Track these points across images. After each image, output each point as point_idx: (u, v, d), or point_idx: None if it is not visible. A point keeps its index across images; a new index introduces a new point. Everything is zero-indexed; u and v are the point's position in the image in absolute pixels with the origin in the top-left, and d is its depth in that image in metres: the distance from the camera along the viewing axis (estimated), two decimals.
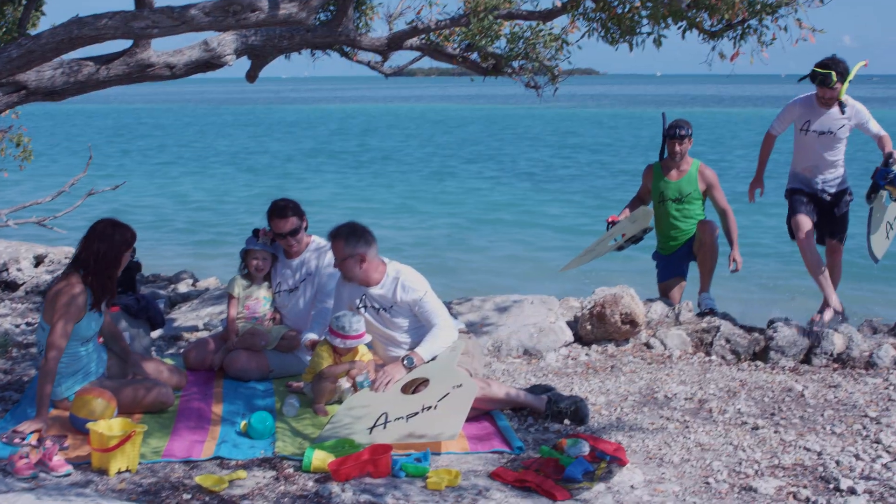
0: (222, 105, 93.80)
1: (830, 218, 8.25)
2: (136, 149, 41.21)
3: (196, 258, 15.86)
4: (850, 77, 7.75)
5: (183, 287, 10.43)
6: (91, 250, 5.79)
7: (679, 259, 8.94)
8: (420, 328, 6.17)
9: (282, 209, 6.93)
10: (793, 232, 8.19)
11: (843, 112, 7.86)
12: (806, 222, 8.07)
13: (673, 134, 8.69)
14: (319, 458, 5.04)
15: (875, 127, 7.89)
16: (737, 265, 8.61)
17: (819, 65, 7.77)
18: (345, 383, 6.11)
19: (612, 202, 21.65)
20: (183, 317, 8.69)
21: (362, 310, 6.19)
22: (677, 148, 8.68)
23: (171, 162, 35.13)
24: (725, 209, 8.78)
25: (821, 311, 8.08)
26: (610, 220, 8.81)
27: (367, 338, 6.08)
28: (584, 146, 41.47)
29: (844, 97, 7.82)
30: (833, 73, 7.68)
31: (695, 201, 8.78)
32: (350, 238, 6.04)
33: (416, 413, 5.48)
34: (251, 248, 6.97)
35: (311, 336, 6.51)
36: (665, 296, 8.90)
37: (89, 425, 5.11)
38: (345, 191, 25.85)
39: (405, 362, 5.86)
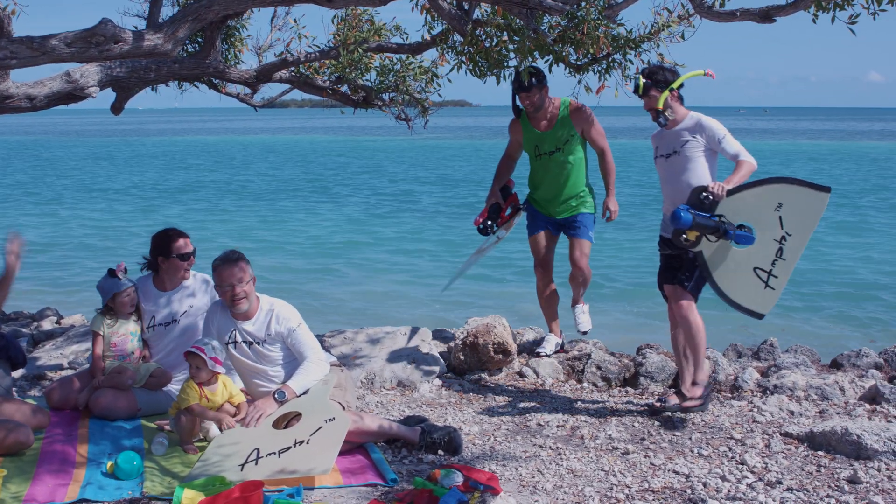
0: (81, 137, 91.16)
1: (682, 260, 6.81)
2: None
3: (60, 294, 15.38)
4: (676, 85, 6.67)
5: (47, 324, 10.11)
6: None
7: (564, 222, 8.10)
8: (293, 362, 6.12)
9: (180, 231, 6.95)
10: None
11: (664, 122, 6.70)
12: (668, 297, 6.97)
13: (518, 87, 7.72)
14: (189, 498, 4.92)
15: (732, 147, 6.59)
16: (611, 214, 7.98)
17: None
18: (214, 428, 5.98)
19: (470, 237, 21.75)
20: (46, 355, 8.41)
21: (231, 347, 6.11)
22: (527, 102, 7.80)
23: (22, 196, 33.93)
24: (603, 148, 7.94)
25: (676, 390, 6.99)
26: (477, 222, 8.09)
27: (222, 368, 5.99)
28: (448, 178, 41.63)
29: (674, 109, 6.71)
30: (640, 79, 6.75)
31: (575, 148, 7.92)
32: (245, 261, 6.12)
33: (289, 448, 5.41)
34: (120, 289, 6.73)
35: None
36: (536, 249, 8.16)
37: None
38: (200, 224, 25.33)
39: (276, 396, 5.80)
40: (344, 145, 74.10)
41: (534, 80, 7.61)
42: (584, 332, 8.35)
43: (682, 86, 6.78)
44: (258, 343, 6.11)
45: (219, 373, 5.97)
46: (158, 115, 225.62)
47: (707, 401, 6.79)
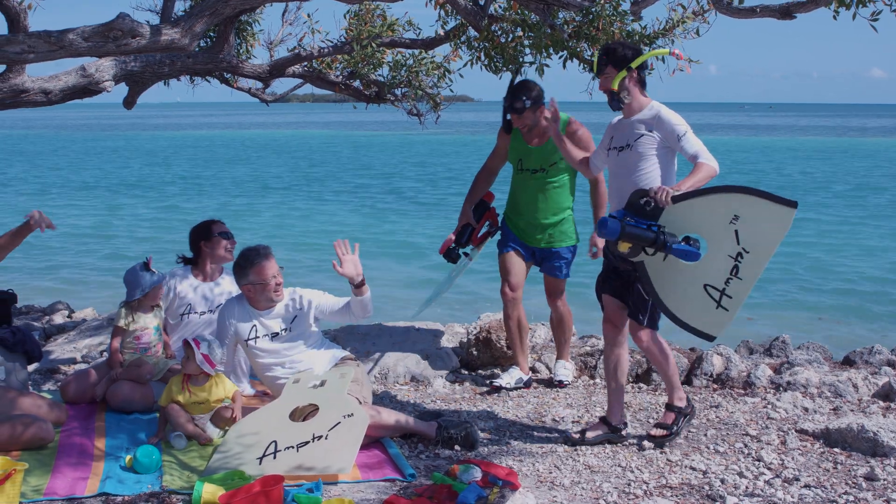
0: (78, 131, 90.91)
1: (629, 282, 6.00)
2: None
3: (69, 288, 15.42)
4: (635, 64, 5.79)
5: (58, 318, 10.14)
6: None
7: (539, 254, 7.43)
8: (314, 348, 6.31)
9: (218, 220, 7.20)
10: None
11: (617, 105, 5.91)
12: (606, 308, 6.19)
13: (509, 106, 7.02)
14: (209, 492, 4.92)
15: (692, 147, 5.72)
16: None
17: None
18: (210, 426, 5.97)
19: None
20: (60, 349, 8.42)
21: (252, 342, 6.15)
22: (519, 123, 7.10)
23: (29, 190, 33.90)
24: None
25: (604, 419, 6.25)
26: (442, 249, 7.59)
27: (211, 370, 6.00)
28: (449, 174, 41.61)
29: (631, 93, 5.88)
30: (601, 56, 5.92)
31: (561, 172, 7.20)
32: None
33: (307, 442, 5.41)
34: (159, 282, 6.74)
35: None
36: (504, 269, 7.40)
37: None
38: (196, 219, 25.30)
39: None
40: (346, 140, 74.08)
41: (527, 102, 6.95)
42: (561, 382, 7.56)
43: (645, 68, 5.95)
44: (285, 330, 6.22)
45: (208, 373, 5.98)
46: (156, 110, 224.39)
47: (679, 430, 6.08)
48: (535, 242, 7.35)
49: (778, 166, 45.40)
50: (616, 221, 5.52)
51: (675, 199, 5.54)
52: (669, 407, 6.18)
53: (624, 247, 5.61)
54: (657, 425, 6.13)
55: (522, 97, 6.93)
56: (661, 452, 5.90)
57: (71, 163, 48.67)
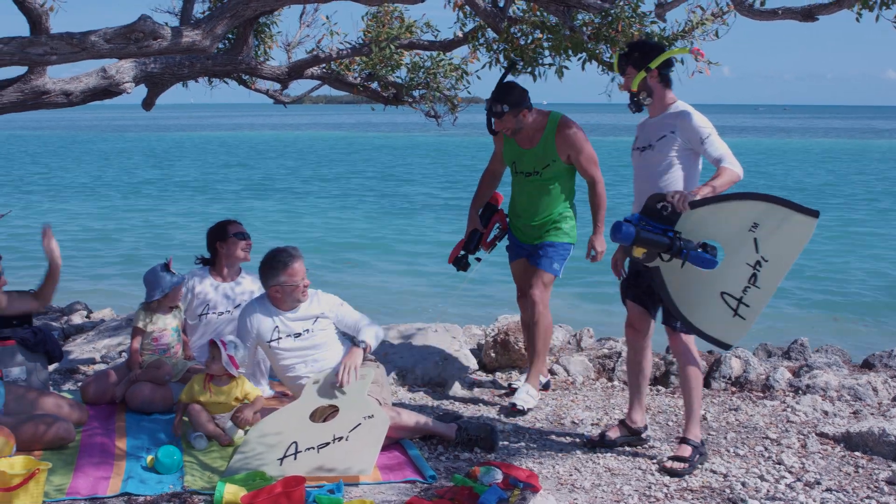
0: (91, 132, 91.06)
1: (653, 288, 5.79)
2: None
3: (87, 289, 15.45)
4: (654, 64, 5.68)
5: (77, 318, 10.18)
6: None
7: (533, 249, 7.10)
8: (334, 348, 6.32)
9: (233, 219, 7.26)
10: None
11: (636, 107, 5.82)
12: (630, 313, 6.04)
13: (489, 109, 6.89)
14: (231, 492, 4.93)
15: (716, 150, 5.52)
16: (597, 255, 6.86)
17: None
18: (230, 423, 5.98)
19: None
20: (78, 349, 8.45)
21: (275, 343, 6.16)
22: (500, 126, 6.90)
23: (33, 190, 34.02)
24: (594, 177, 6.87)
25: (624, 422, 6.15)
26: (452, 258, 7.37)
27: (236, 371, 6.01)
28: (462, 176, 41.56)
29: (654, 93, 5.79)
30: (622, 57, 5.87)
31: (557, 176, 6.93)
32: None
33: (328, 443, 5.42)
34: (179, 283, 6.78)
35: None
36: (516, 278, 7.29)
37: None
38: (205, 221, 25.41)
39: (359, 345, 6.05)
40: (359, 141, 74.09)
41: (505, 107, 6.75)
42: (518, 409, 6.83)
43: (669, 66, 5.80)
44: (307, 330, 6.25)
45: (232, 374, 5.99)
46: (170, 111, 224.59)
47: (695, 464, 5.65)
48: (533, 240, 7.12)
49: (787, 169, 45.22)
50: (630, 226, 5.33)
51: (694, 205, 5.36)
52: (685, 440, 5.75)
53: (638, 252, 5.43)
54: (673, 458, 5.67)
55: (500, 102, 6.78)
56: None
57: (86, 163, 48.80)
